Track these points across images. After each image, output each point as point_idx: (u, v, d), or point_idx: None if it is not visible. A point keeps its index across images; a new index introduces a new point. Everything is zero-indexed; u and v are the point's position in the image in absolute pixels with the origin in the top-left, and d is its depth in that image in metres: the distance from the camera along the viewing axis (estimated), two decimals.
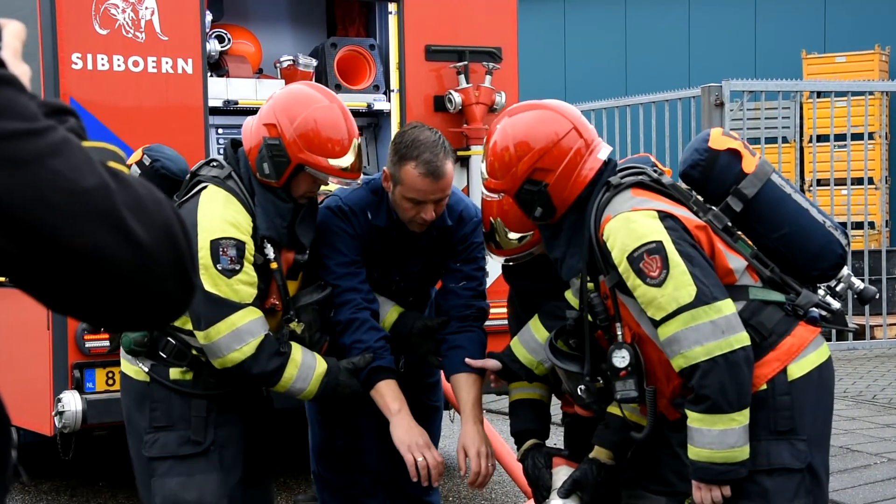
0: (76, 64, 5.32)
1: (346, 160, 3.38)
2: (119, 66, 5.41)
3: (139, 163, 3.59)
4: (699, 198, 3.25)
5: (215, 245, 3.28)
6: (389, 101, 6.10)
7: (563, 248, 3.22)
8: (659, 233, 3.01)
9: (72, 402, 5.25)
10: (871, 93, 10.22)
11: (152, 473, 3.43)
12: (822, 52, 12.58)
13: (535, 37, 14.02)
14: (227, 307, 3.29)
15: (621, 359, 3.14)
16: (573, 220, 3.20)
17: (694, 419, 3.03)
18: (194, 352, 3.40)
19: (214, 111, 5.73)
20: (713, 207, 3.21)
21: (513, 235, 3.44)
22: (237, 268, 3.29)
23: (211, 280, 3.27)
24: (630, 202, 3.10)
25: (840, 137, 9.97)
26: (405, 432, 3.47)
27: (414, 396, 3.69)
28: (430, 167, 3.42)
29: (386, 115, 6.05)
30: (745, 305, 3.09)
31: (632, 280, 3.03)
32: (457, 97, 6.02)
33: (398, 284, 3.72)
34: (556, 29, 15.27)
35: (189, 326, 3.38)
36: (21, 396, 5.92)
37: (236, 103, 5.84)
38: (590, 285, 3.20)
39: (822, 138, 10.48)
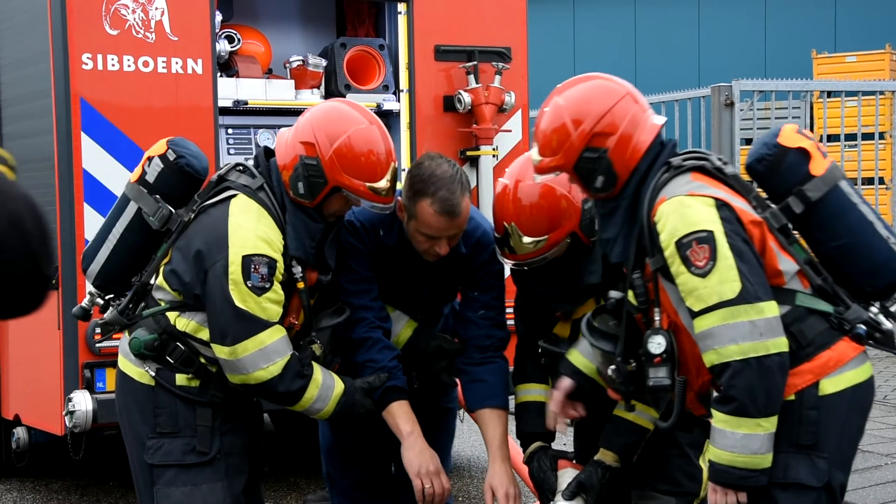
0: (86, 64, 5.33)
1: (383, 184, 3.31)
2: (129, 66, 5.41)
3: (163, 156, 3.46)
4: (761, 193, 3.12)
5: (247, 261, 3.20)
6: (399, 101, 6.10)
7: (618, 227, 3.11)
8: (712, 222, 2.91)
9: (82, 401, 5.26)
10: (881, 92, 10.20)
11: (155, 481, 3.33)
12: (833, 51, 12.55)
13: (545, 37, 14.02)
14: (256, 324, 3.22)
15: (657, 345, 3.05)
16: (630, 200, 3.10)
17: (719, 419, 2.93)
18: (202, 360, 3.33)
19: (224, 111, 5.73)
20: (772, 205, 3.09)
21: (527, 239, 3.37)
22: (267, 286, 3.21)
23: (240, 296, 3.20)
24: (688, 186, 3.00)
25: (850, 137, 9.94)
26: (416, 456, 3.44)
27: (428, 398, 3.68)
28: (446, 206, 3.35)
29: (395, 116, 6.06)
30: (788, 310, 2.97)
31: (676, 266, 2.93)
32: (466, 97, 6.01)
33: (407, 302, 3.69)
34: (566, 29, 15.27)
35: (202, 335, 3.31)
36: (32, 396, 5.93)
37: (246, 103, 5.84)
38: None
39: (832, 138, 10.45)
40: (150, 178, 3.44)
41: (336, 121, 3.32)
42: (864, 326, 3.03)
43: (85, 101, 5.34)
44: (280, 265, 3.26)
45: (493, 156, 6.14)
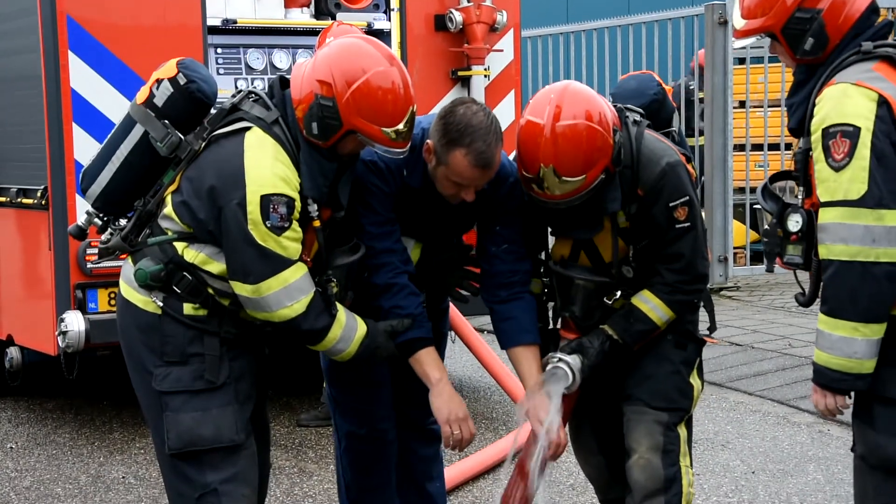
0: None
1: (400, 129, 3.25)
2: None
3: (173, 80, 3.33)
4: None
5: (266, 201, 3.16)
6: (389, 20, 6.04)
7: (804, 96, 3.12)
8: (865, 118, 2.92)
9: (74, 322, 5.28)
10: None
11: (164, 408, 3.30)
12: None
13: None
14: (278, 263, 3.20)
15: (794, 223, 3.09)
16: (824, 72, 3.08)
17: (820, 319, 2.98)
18: (210, 290, 3.30)
19: (213, 30, 5.67)
20: None
21: (567, 179, 3.25)
22: (286, 225, 3.19)
23: (260, 236, 3.18)
24: (862, 75, 2.98)
25: None
26: (445, 403, 3.48)
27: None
28: (482, 158, 3.30)
29: (386, 35, 6.00)
30: None
31: (817, 153, 2.96)
32: (457, 16, 5.96)
33: (420, 232, 3.66)
34: None
35: (210, 268, 3.27)
36: (24, 316, 5.96)
37: (235, 22, 5.78)
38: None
39: None
40: (159, 101, 3.31)
41: (355, 60, 3.24)
42: None
43: (71, 19, 5.28)
44: (298, 204, 3.23)
45: (485, 76, 6.10)
